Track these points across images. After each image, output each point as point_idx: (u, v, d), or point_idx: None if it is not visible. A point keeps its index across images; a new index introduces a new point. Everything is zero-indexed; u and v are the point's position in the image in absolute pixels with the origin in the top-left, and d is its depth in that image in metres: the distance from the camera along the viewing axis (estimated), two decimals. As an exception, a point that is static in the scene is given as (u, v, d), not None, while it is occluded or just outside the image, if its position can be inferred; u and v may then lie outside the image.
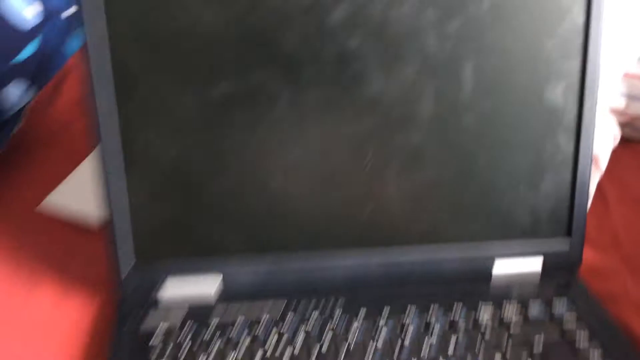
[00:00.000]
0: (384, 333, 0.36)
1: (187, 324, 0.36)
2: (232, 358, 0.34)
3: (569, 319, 0.38)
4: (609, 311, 0.39)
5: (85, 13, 0.32)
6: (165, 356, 0.34)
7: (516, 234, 0.41)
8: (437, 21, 0.36)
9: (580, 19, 0.38)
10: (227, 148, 0.36)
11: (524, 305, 0.39)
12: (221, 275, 0.38)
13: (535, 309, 0.39)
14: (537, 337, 0.36)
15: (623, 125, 0.59)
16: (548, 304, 0.39)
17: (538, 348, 0.36)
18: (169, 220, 0.37)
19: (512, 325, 0.37)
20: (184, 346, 0.34)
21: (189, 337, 0.35)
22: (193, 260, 0.38)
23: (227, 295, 0.38)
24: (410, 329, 0.36)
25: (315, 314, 0.37)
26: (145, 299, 0.37)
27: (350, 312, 0.37)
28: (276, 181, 0.37)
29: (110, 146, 0.35)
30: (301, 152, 0.37)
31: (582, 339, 0.36)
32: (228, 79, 0.35)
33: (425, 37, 0.36)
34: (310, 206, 0.38)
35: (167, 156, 0.36)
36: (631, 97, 0.59)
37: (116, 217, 0.36)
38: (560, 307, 0.39)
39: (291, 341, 0.35)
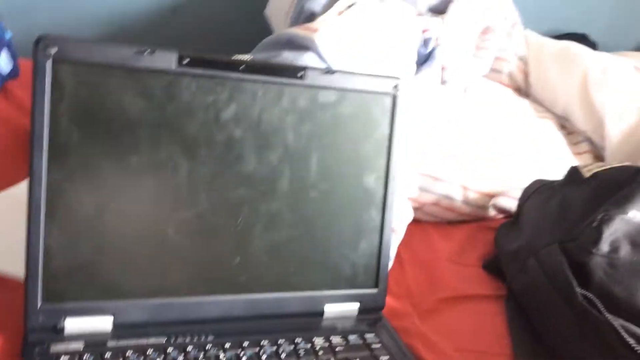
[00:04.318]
0: (244, 358, 0.50)
1: (87, 351, 0.47)
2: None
3: (376, 345, 0.56)
4: (402, 340, 0.58)
5: (34, 93, 0.44)
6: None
7: (341, 285, 0.60)
8: (294, 123, 0.54)
9: (387, 131, 0.60)
10: (132, 207, 0.50)
11: (345, 336, 0.57)
12: (113, 316, 0.50)
13: (353, 338, 0.57)
14: (354, 356, 0.54)
15: (415, 209, 0.83)
16: (362, 335, 0.57)
17: (356, 363, 0.53)
18: (73, 268, 0.48)
19: (337, 349, 0.54)
20: (87, 365, 0.45)
21: (92, 357, 0.46)
22: (91, 302, 0.49)
23: (117, 332, 0.50)
24: (265, 355, 0.51)
25: (190, 347, 0.50)
26: (48, 334, 0.47)
27: (218, 345, 0.51)
28: (167, 236, 0.51)
29: (35, 203, 0.46)
30: (191, 213, 0.51)
31: (383, 357, 0.55)
32: (142, 154, 0.49)
33: (286, 134, 0.54)
34: (191, 258, 0.52)
35: (81, 214, 0.48)
36: (421, 189, 0.83)
37: (30, 264, 0.47)
38: (370, 337, 0.57)
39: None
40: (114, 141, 0.48)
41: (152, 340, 0.49)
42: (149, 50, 0.48)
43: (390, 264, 0.69)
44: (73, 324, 0.48)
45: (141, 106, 0.49)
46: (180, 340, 0.50)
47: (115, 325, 0.50)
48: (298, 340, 0.54)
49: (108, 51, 0.47)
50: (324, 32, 0.77)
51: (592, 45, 1.38)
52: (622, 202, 0.61)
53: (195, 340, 0.51)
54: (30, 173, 0.46)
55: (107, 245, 0.49)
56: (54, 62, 0.45)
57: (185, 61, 0.50)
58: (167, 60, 0.49)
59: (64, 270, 0.48)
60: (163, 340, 0.50)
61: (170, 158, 0.50)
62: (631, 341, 0.51)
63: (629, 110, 0.89)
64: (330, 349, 0.54)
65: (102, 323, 0.49)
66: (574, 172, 0.72)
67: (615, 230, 0.59)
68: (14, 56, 0.89)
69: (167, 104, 0.50)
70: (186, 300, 0.52)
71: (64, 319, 0.48)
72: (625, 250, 0.58)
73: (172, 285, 0.52)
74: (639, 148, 0.88)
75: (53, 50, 0.45)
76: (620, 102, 0.89)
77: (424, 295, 0.68)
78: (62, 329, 0.48)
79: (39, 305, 0.47)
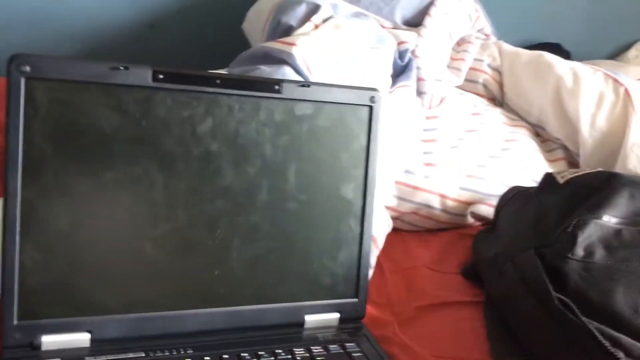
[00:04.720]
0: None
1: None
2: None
3: (357, 354, 0.56)
4: (383, 349, 0.58)
5: (8, 110, 0.44)
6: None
7: (321, 295, 0.60)
8: (272, 136, 0.55)
9: (364, 142, 0.60)
10: (109, 223, 0.49)
11: (326, 346, 0.57)
12: (90, 333, 0.49)
13: (334, 348, 0.57)
14: (335, 365, 0.54)
15: (395, 219, 0.83)
16: (343, 344, 0.57)
17: (336, 372, 0.53)
18: (50, 284, 0.48)
19: (318, 359, 0.54)
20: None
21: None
22: (68, 319, 0.49)
23: (95, 348, 0.49)
24: (245, 366, 0.51)
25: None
26: (25, 351, 0.47)
27: (197, 359, 0.51)
28: (144, 251, 0.51)
29: (10, 220, 0.46)
30: (168, 227, 0.51)
31: (365, 366, 0.55)
32: (118, 169, 0.49)
33: (264, 147, 0.55)
34: (170, 272, 0.52)
35: (57, 230, 0.48)
36: (400, 199, 0.84)
37: (5, 282, 0.46)
38: (351, 346, 0.57)
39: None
40: (90, 157, 0.48)
41: (131, 356, 0.49)
42: (123, 66, 0.48)
43: (371, 273, 0.69)
44: (50, 341, 0.48)
45: (116, 122, 0.49)
46: (159, 354, 0.50)
47: (93, 341, 0.49)
48: (279, 351, 0.54)
49: (82, 68, 0.47)
50: (302, 45, 0.78)
51: (566, 54, 1.40)
52: (596, 207, 0.62)
53: (174, 354, 0.51)
54: (5, 190, 0.45)
55: (83, 261, 0.49)
56: (27, 80, 0.45)
57: (160, 77, 0.50)
58: (142, 76, 0.49)
59: (40, 287, 0.47)
60: (141, 355, 0.49)
61: (147, 173, 0.50)
62: (607, 344, 0.51)
63: (601, 117, 0.90)
64: (311, 359, 0.54)
65: (80, 339, 0.49)
66: (548, 178, 0.73)
67: (589, 234, 0.60)
68: (-10, 74, 0.89)
69: (142, 119, 0.50)
70: (165, 314, 0.52)
71: (41, 336, 0.47)
72: (599, 254, 0.59)
73: (150, 300, 0.52)
74: (611, 154, 0.89)
75: (26, 68, 0.45)
76: (593, 110, 0.91)
77: (404, 304, 0.68)
78: (39, 346, 0.47)
79: (15, 322, 0.46)
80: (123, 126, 0.49)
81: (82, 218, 0.48)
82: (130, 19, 1.22)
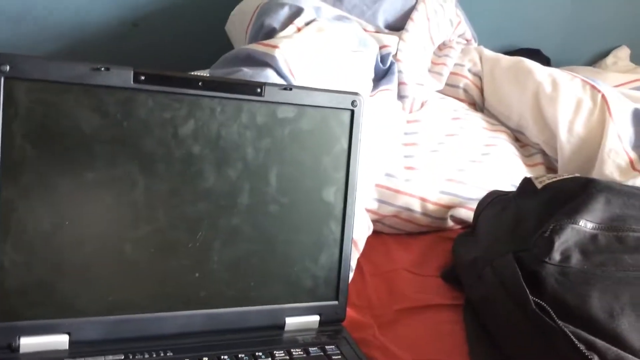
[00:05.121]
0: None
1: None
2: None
3: (336, 357, 0.57)
4: (363, 351, 0.59)
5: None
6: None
7: (301, 298, 0.60)
8: (254, 139, 0.55)
9: (345, 145, 0.61)
10: (88, 224, 0.49)
11: (306, 349, 0.57)
12: (69, 334, 0.49)
13: (314, 351, 0.57)
14: (315, 367, 0.54)
15: (375, 222, 0.83)
16: (322, 347, 0.58)
17: (316, 374, 0.53)
18: (28, 286, 0.48)
19: (298, 361, 0.55)
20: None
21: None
22: (46, 320, 0.48)
23: (74, 350, 0.49)
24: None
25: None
26: (3, 353, 0.47)
27: (177, 360, 0.51)
28: (124, 253, 0.51)
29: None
30: (149, 229, 0.51)
31: (345, 369, 0.55)
32: (98, 170, 0.49)
33: (245, 149, 0.55)
34: (150, 274, 0.52)
35: (36, 231, 0.47)
36: (381, 202, 0.84)
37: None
38: (331, 349, 0.58)
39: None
40: (70, 158, 0.48)
41: (110, 358, 0.49)
42: (104, 67, 0.48)
43: (351, 276, 0.70)
44: (28, 343, 0.47)
45: (97, 123, 0.49)
46: (138, 357, 0.50)
47: (72, 343, 0.49)
48: (259, 354, 0.54)
49: (63, 68, 0.47)
50: (285, 48, 0.78)
51: (546, 60, 1.43)
52: (572, 212, 0.63)
53: (153, 356, 0.50)
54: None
55: (63, 262, 0.49)
56: (6, 80, 0.45)
57: (142, 78, 0.50)
58: (123, 77, 0.49)
59: (19, 289, 0.47)
60: (120, 357, 0.49)
61: (128, 175, 0.50)
62: (582, 347, 0.52)
63: (578, 123, 0.92)
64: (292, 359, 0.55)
65: (58, 341, 0.49)
66: (527, 183, 0.73)
67: (566, 239, 0.61)
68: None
69: (124, 120, 0.49)
70: (144, 316, 0.52)
71: (19, 338, 0.47)
72: (576, 259, 0.60)
73: (130, 301, 0.52)
74: (588, 160, 0.91)
75: (6, 68, 0.45)
76: (570, 116, 0.92)
77: (384, 307, 0.68)
78: (17, 348, 0.47)
79: (-8, 324, 0.46)
80: (104, 127, 0.49)
81: (62, 219, 0.48)
82: (113, 17, 1.21)
